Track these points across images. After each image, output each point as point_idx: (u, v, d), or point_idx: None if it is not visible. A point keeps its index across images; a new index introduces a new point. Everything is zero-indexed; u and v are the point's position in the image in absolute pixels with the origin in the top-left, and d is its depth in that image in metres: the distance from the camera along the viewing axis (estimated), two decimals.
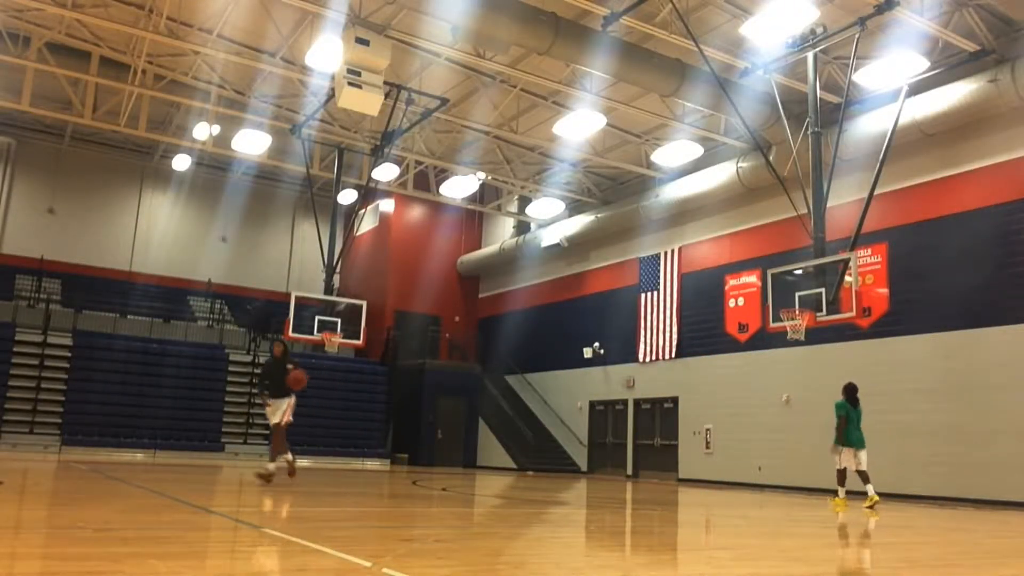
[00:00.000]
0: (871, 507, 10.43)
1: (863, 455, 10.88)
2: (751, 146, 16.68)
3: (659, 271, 21.28)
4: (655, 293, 21.28)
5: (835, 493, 11.20)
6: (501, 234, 27.90)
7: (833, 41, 13.43)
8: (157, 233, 27.08)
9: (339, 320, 18.41)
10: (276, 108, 19.95)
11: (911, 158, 15.43)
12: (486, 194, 26.07)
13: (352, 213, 22.69)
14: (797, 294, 12.91)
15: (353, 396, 23.45)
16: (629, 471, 21.43)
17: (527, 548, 5.21)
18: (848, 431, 10.93)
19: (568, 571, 4.13)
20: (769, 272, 13.64)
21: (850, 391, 11.22)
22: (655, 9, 14.08)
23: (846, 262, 12.43)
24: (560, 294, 24.99)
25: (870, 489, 10.67)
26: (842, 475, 10.99)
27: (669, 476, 20.06)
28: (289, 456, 10.48)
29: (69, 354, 20.39)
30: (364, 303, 18.88)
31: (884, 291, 15.74)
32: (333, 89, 15.52)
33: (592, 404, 23.02)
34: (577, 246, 23.94)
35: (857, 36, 12.83)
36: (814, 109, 13.44)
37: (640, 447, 21.39)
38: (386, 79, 15.10)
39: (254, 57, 17.61)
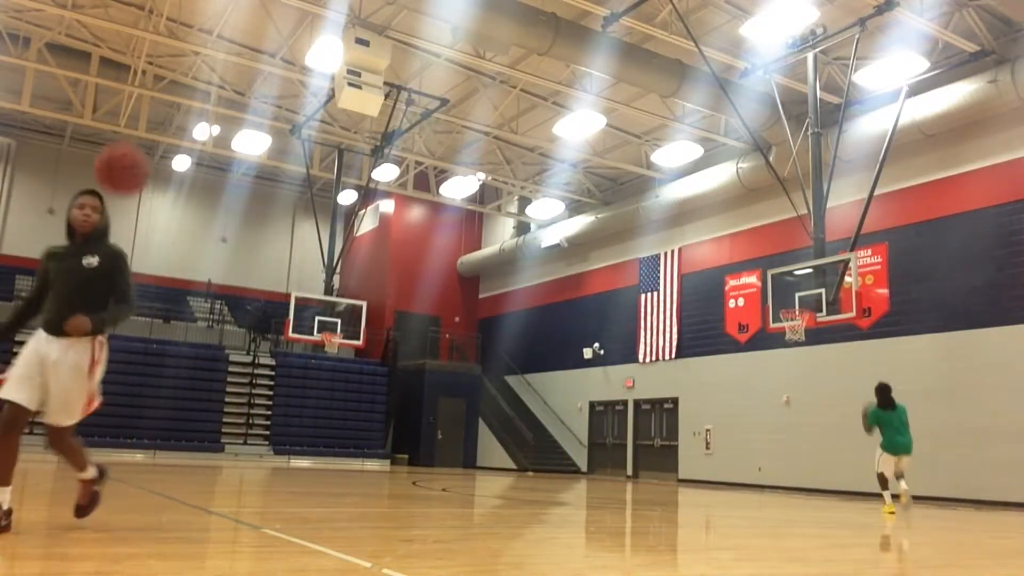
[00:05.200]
0: (891, 512, 9.61)
1: (904, 462, 9.82)
2: (751, 146, 16.69)
3: (659, 271, 21.29)
4: (655, 293, 21.29)
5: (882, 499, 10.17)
6: (501, 234, 27.91)
7: (833, 41, 13.45)
8: (157, 233, 27.08)
9: (339, 320, 18.43)
10: (276, 108, 19.96)
11: (911, 158, 15.44)
12: (486, 194, 26.08)
13: (352, 213, 22.71)
14: (797, 294, 12.92)
15: (353, 397, 23.45)
16: (629, 472, 21.43)
17: (527, 549, 5.21)
18: (885, 436, 9.83)
19: (568, 572, 4.13)
20: (769, 272, 13.66)
21: (880, 393, 10.04)
22: (655, 10, 14.10)
23: (846, 262, 12.44)
24: (560, 294, 24.99)
25: (887, 496, 9.79)
26: (882, 479, 9.90)
27: (669, 477, 20.06)
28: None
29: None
30: (364, 303, 18.91)
31: (884, 291, 15.75)
32: (333, 89, 15.53)
33: (592, 404, 23.03)
34: (577, 246, 23.94)
35: (857, 37, 12.84)
36: (814, 109, 13.45)
37: (640, 448, 21.38)
38: (386, 79, 15.12)
39: (254, 57, 17.62)
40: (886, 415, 9.89)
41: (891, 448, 9.74)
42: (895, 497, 9.75)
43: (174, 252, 27.07)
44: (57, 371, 4.24)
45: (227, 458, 20.72)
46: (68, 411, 4.29)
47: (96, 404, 4.39)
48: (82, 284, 4.32)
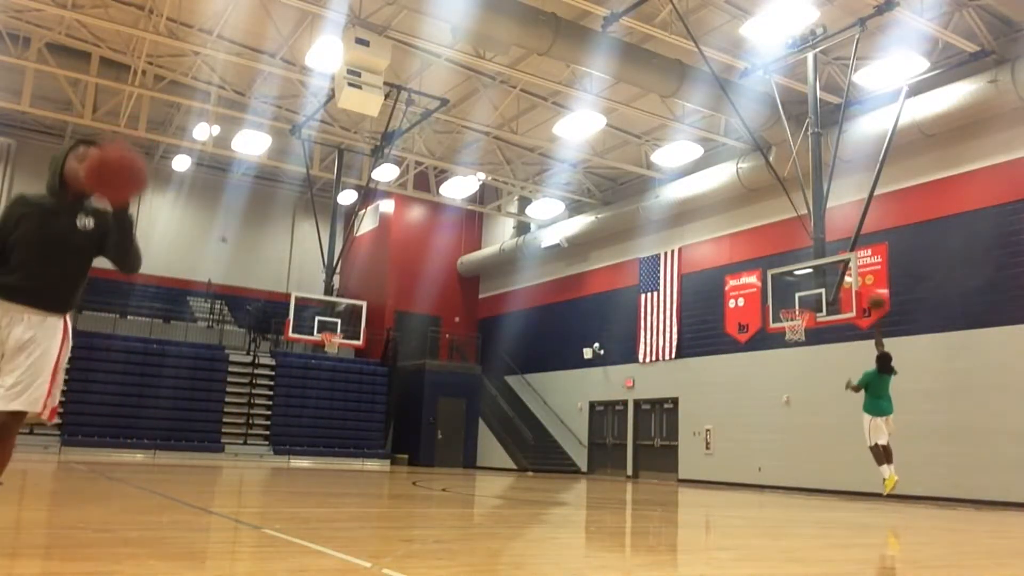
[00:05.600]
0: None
1: (890, 422, 10.64)
2: (751, 147, 16.69)
3: (659, 271, 21.29)
4: (655, 293, 21.29)
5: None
6: (501, 234, 27.91)
7: (833, 42, 13.45)
8: (157, 233, 27.03)
9: (339, 320, 18.44)
10: (276, 108, 19.96)
11: (911, 158, 15.44)
12: (486, 194, 26.08)
13: (352, 213, 22.71)
14: (797, 294, 12.93)
15: (353, 397, 23.46)
16: (629, 472, 21.42)
17: (527, 549, 5.21)
18: (870, 400, 10.70)
19: (568, 571, 4.13)
20: (769, 272, 13.66)
21: (881, 360, 10.88)
22: (655, 10, 14.10)
23: (846, 262, 12.45)
24: (560, 294, 24.99)
25: (885, 470, 10.51)
26: (876, 452, 10.64)
27: (669, 477, 20.06)
28: None
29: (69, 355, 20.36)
30: (364, 303, 18.92)
31: (884, 292, 15.74)
32: (333, 90, 15.53)
33: (592, 404, 23.03)
34: (577, 246, 23.94)
35: (857, 37, 12.84)
36: (814, 110, 13.45)
37: (640, 447, 21.38)
38: (386, 79, 15.12)
39: (254, 57, 17.62)
40: (881, 378, 10.71)
41: (875, 410, 10.59)
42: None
43: (174, 252, 27.04)
44: (24, 350, 3.49)
45: (227, 458, 20.72)
46: (29, 395, 3.43)
47: (56, 394, 3.63)
48: (74, 249, 3.66)
